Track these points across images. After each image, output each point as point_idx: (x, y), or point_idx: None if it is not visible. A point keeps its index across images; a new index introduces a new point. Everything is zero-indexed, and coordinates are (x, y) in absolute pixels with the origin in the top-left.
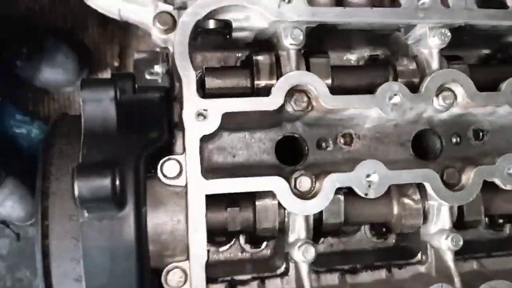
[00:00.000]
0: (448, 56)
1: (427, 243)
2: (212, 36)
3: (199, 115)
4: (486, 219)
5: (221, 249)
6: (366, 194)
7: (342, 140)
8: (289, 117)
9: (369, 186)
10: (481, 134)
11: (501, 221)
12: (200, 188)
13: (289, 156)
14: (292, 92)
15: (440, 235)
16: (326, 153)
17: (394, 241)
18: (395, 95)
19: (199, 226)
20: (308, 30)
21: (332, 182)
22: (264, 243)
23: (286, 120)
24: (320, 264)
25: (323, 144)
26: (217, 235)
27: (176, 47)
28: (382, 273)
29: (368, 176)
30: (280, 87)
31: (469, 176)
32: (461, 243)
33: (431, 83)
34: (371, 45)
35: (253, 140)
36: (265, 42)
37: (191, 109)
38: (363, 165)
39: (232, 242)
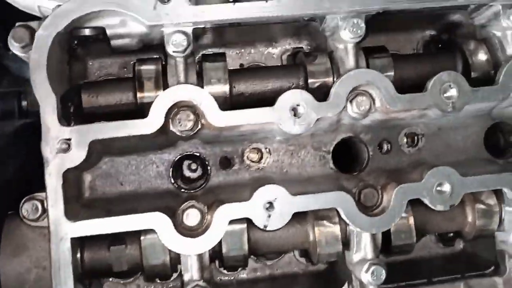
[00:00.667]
0: (371, 48)
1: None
2: (98, 43)
3: (60, 146)
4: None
5: (127, 281)
6: (265, 226)
7: (250, 157)
8: (182, 136)
9: (269, 216)
10: (415, 138)
11: (451, 235)
12: (64, 231)
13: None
14: (177, 109)
15: (361, 266)
16: (231, 174)
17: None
18: (297, 105)
19: (64, 275)
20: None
21: (223, 215)
22: (175, 274)
23: (180, 138)
24: None
25: (229, 163)
26: (104, 276)
27: (32, 67)
28: None
29: (269, 204)
30: (158, 106)
31: (390, 197)
32: (383, 277)
33: (340, 88)
34: (295, 36)
35: (144, 164)
36: (158, 48)
37: (50, 139)
38: (261, 192)
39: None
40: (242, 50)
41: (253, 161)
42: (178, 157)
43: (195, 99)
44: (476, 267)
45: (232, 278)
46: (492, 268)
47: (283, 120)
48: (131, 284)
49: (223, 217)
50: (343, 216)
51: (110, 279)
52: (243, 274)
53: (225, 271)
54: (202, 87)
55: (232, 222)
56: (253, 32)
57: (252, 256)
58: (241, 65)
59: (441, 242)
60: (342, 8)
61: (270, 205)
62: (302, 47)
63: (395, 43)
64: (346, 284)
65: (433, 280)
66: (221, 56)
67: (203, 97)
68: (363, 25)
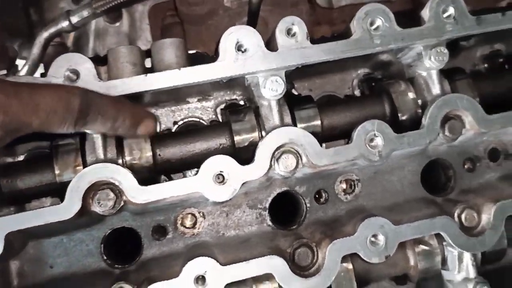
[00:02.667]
0: (297, 99)
1: None
2: None
3: None
4: None
5: None
6: None
7: (184, 223)
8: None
9: None
10: (352, 185)
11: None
12: None
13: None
14: (95, 189)
15: None
16: (165, 243)
17: None
18: (221, 171)
19: None
20: None
21: None
22: None
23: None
24: None
25: (163, 231)
26: None
27: None
28: None
29: (200, 277)
30: (73, 190)
31: (325, 254)
32: None
33: (264, 149)
34: (227, 89)
35: (73, 243)
36: None
37: None
38: (190, 266)
39: None
40: (175, 107)
41: (187, 227)
42: (108, 232)
43: (113, 177)
44: None
45: None
46: None
47: (208, 189)
48: None
49: None
50: (277, 280)
51: None
52: None
53: None
54: (124, 159)
55: None
56: (183, 90)
57: None
58: (175, 122)
59: (394, 281)
60: (258, 68)
61: (201, 279)
62: (236, 98)
63: (331, 84)
64: None
65: None
66: None
67: (121, 175)
68: (282, 82)
